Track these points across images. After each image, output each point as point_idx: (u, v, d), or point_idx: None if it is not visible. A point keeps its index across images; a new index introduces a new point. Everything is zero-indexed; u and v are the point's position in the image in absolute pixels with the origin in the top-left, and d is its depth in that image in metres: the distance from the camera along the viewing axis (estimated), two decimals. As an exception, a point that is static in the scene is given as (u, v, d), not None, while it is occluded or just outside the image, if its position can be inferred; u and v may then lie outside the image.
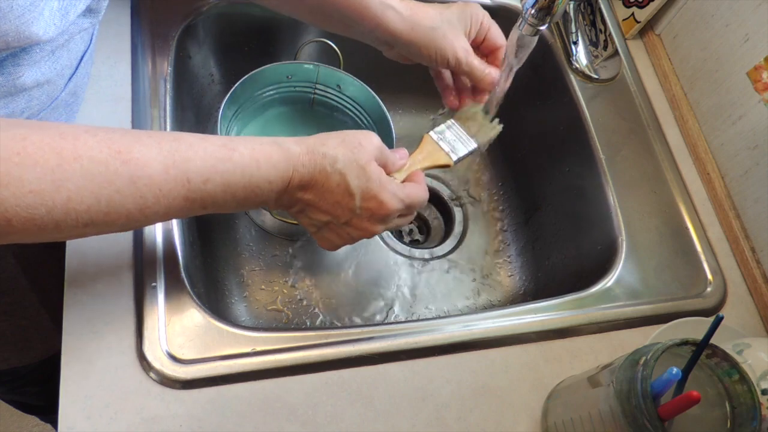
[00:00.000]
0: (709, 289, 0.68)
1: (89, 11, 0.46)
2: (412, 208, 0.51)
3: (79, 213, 0.38)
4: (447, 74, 0.64)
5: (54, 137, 0.38)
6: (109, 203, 0.39)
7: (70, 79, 0.51)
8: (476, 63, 0.59)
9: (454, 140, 0.59)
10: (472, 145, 0.59)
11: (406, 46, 0.59)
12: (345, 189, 0.47)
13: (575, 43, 0.81)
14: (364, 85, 0.73)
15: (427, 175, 0.89)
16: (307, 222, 0.51)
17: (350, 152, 0.47)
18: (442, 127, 0.60)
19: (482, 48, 0.62)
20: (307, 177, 0.46)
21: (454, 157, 0.58)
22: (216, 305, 0.70)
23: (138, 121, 0.64)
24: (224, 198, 0.44)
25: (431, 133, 0.58)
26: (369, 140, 0.49)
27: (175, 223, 0.59)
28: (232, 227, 0.78)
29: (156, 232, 0.58)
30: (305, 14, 0.63)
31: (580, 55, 0.81)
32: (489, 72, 0.60)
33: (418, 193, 0.52)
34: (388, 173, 0.52)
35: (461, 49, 0.58)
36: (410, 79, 0.80)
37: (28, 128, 0.38)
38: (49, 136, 0.38)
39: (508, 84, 0.60)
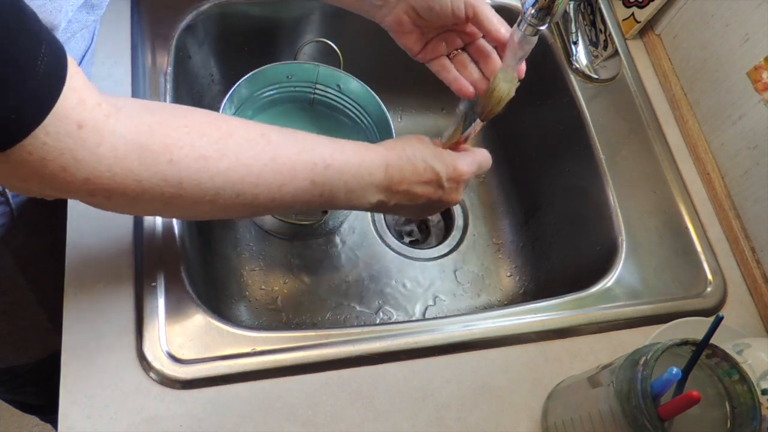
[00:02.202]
0: (709, 289, 0.68)
1: (90, 6, 0.46)
2: (482, 169, 0.58)
3: (235, 182, 0.43)
4: (450, 65, 0.62)
5: (208, 117, 0.43)
6: (258, 175, 0.44)
7: (70, 78, 0.51)
8: (491, 13, 0.56)
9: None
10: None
11: None
12: (431, 172, 0.53)
13: (575, 43, 0.81)
14: (364, 85, 0.73)
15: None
16: (406, 211, 0.57)
17: (419, 143, 0.55)
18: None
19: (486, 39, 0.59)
20: (398, 172, 0.52)
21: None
22: (216, 305, 0.70)
23: (138, 121, 0.64)
24: (337, 186, 0.49)
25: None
26: (418, 136, 0.57)
27: (175, 222, 0.59)
28: (232, 227, 0.78)
29: (156, 231, 0.58)
30: None
31: (580, 55, 0.81)
32: (502, 26, 0.56)
33: (482, 155, 0.58)
34: None
35: None
36: (410, 79, 0.80)
37: (183, 109, 0.43)
38: (204, 116, 0.43)
39: None
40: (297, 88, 0.75)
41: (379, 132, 0.73)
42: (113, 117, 0.38)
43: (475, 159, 0.57)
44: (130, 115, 0.39)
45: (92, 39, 0.53)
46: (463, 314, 0.72)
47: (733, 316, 0.67)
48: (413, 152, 0.53)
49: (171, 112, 0.42)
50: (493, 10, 0.56)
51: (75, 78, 0.35)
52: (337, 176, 0.49)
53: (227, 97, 0.66)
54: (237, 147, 0.43)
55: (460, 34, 0.58)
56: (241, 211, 0.47)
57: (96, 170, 0.37)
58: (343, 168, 0.49)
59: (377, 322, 0.77)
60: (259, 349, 0.55)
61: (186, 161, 0.40)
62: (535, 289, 0.82)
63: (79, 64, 0.51)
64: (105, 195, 0.39)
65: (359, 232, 0.82)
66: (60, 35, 0.44)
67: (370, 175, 0.51)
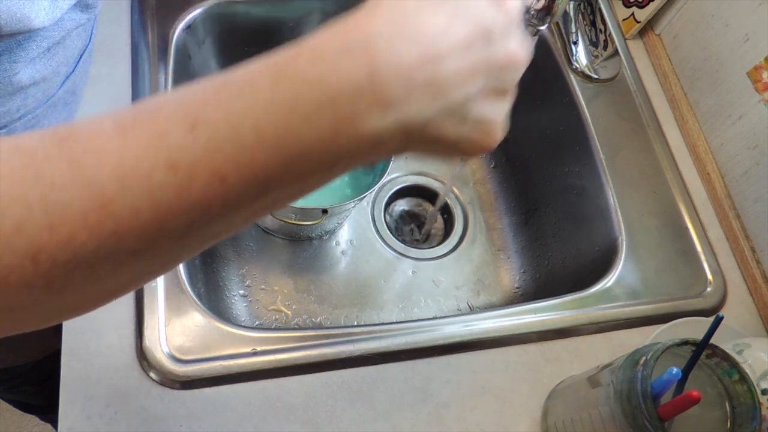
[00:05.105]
0: (709, 289, 0.68)
1: (84, 5, 0.46)
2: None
3: (8, 236, 0.23)
4: None
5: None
6: (46, 209, 0.23)
7: (67, 77, 0.51)
8: None
9: None
10: None
11: None
12: (465, 19, 0.26)
13: (575, 43, 0.81)
14: (364, 85, 0.72)
15: (427, 176, 0.89)
16: (462, 109, 0.28)
17: None
18: None
19: None
20: (402, 46, 0.25)
21: None
22: (216, 305, 0.70)
23: (138, 121, 0.64)
24: (244, 137, 0.24)
25: None
26: None
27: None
28: (231, 227, 0.78)
29: (156, 232, 0.58)
30: None
31: (580, 55, 0.81)
32: None
33: None
34: None
35: None
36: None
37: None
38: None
39: None
40: (297, 88, 0.75)
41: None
42: None
43: None
44: None
45: (90, 38, 0.53)
46: (463, 314, 0.72)
47: (733, 316, 0.67)
48: (416, 6, 0.26)
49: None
50: None
51: None
52: (228, 126, 0.24)
53: (227, 97, 0.66)
54: None
55: None
56: (55, 275, 0.25)
57: None
58: (232, 109, 0.25)
59: (377, 322, 0.77)
60: (259, 349, 0.55)
61: None
62: (535, 289, 0.82)
63: (77, 63, 0.51)
64: None
65: (359, 231, 0.82)
66: (52, 33, 0.44)
67: (323, 81, 0.24)
